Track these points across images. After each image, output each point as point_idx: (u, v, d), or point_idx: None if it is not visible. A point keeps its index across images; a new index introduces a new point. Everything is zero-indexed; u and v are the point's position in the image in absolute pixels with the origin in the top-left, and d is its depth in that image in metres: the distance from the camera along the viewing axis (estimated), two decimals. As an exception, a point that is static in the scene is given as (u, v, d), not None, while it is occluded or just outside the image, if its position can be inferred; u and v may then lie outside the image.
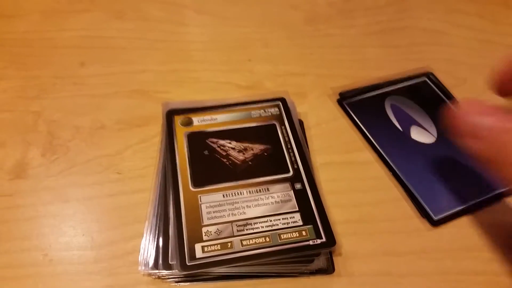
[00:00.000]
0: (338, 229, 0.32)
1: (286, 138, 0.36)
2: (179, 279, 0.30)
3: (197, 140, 0.36)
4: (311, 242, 0.30)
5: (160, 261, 0.30)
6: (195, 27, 0.49)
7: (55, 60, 0.44)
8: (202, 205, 0.32)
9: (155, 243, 0.31)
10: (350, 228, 0.33)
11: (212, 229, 0.30)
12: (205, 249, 0.29)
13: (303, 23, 0.49)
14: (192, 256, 0.29)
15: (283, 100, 0.39)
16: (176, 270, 0.29)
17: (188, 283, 0.30)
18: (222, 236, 0.30)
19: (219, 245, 0.30)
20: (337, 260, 0.31)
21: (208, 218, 0.31)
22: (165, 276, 0.30)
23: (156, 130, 0.38)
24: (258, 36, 0.48)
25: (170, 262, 0.29)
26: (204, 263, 0.29)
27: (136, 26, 0.48)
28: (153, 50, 0.46)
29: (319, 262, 0.30)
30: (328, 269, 0.30)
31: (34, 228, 0.33)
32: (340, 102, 0.41)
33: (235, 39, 0.47)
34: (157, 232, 0.31)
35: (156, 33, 0.47)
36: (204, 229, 0.30)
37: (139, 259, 0.30)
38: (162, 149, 0.36)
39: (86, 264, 0.31)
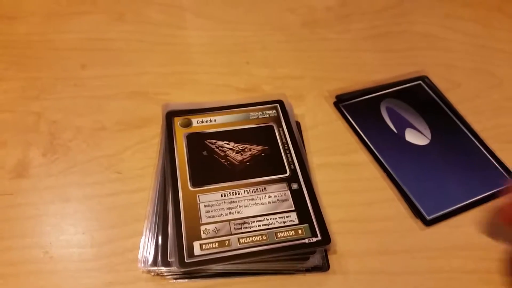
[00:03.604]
0: (333, 228, 0.32)
1: (284, 140, 0.37)
2: (178, 276, 0.30)
3: (196, 141, 0.36)
4: (306, 240, 0.30)
5: (159, 259, 0.30)
6: (194, 30, 0.49)
7: (56, 62, 0.45)
8: (201, 204, 0.32)
9: (154, 241, 0.31)
10: (345, 227, 0.33)
11: (210, 227, 0.31)
12: (203, 246, 0.30)
13: (300, 27, 0.50)
14: (191, 254, 0.30)
15: (280, 103, 0.40)
16: (175, 267, 0.29)
17: (186, 280, 0.30)
18: (220, 234, 0.31)
19: (217, 243, 0.30)
20: (332, 258, 0.32)
21: (207, 217, 0.31)
22: (164, 273, 0.30)
23: (155, 131, 0.39)
24: (257, 40, 0.48)
25: (169, 260, 0.30)
26: (202, 260, 0.29)
27: (136, 28, 0.49)
28: (153, 53, 0.46)
29: (315, 260, 0.30)
30: (323, 267, 0.31)
31: (35, 226, 0.33)
32: (337, 104, 0.42)
33: (234, 42, 0.48)
34: (156, 230, 0.32)
35: (156, 35, 0.48)
36: (202, 228, 0.31)
37: (139, 257, 0.31)
38: (161, 150, 0.37)
39: (86, 262, 0.31)
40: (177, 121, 0.38)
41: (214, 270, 0.30)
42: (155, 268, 0.30)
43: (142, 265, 0.30)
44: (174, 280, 0.30)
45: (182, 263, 0.29)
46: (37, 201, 0.35)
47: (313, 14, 0.52)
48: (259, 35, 0.49)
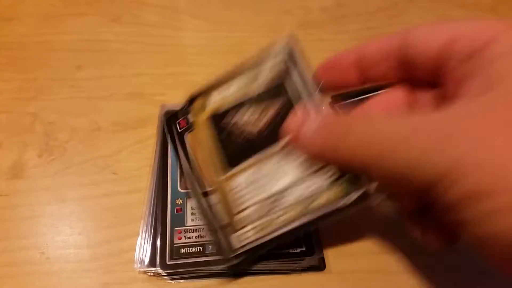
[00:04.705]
0: (330, 227, 0.33)
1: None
2: (174, 276, 0.30)
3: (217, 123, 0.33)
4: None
5: (157, 260, 0.30)
6: (190, 31, 0.49)
7: (52, 63, 0.45)
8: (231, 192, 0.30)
9: (151, 241, 0.31)
10: (340, 226, 0.34)
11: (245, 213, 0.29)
12: (241, 237, 0.29)
13: (296, 28, 0.50)
14: (232, 248, 0.29)
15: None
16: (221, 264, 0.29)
17: (182, 280, 0.30)
18: (254, 219, 0.29)
19: (253, 230, 0.29)
20: (328, 258, 0.32)
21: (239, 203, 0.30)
22: (160, 273, 0.30)
23: (151, 131, 0.39)
24: (253, 41, 0.49)
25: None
26: (247, 250, 0.29)
27: (132, 30, 0.49)
28: (149, 54, 0.46)
29: (311, 260, 0.30)
30: (320, 266, 0.31)
31: (31, 227, 0.33)
32: (332, 104, 0.42)
33: (230, 43, 0.48)
34: (152, 231, 0.32)
35: (152, 37, 0.48)
36: (238, 217, 0.29)
37: (135, 257, 0.31)
38: (157, 150, 0.37)
39: (82, 262, 0.31)
40: (197, 105, 0.35)
41: (210, 270, 0.30)
42: (152, 269, 0.30)
43: (139, 265, 0.31)
44: (171, 281, 0.31)
45: (228, 258, 0.28)
46: (33, 202, 0.35)
47: (308, 15, 0.52)
48: (255, 36, 0.49)
